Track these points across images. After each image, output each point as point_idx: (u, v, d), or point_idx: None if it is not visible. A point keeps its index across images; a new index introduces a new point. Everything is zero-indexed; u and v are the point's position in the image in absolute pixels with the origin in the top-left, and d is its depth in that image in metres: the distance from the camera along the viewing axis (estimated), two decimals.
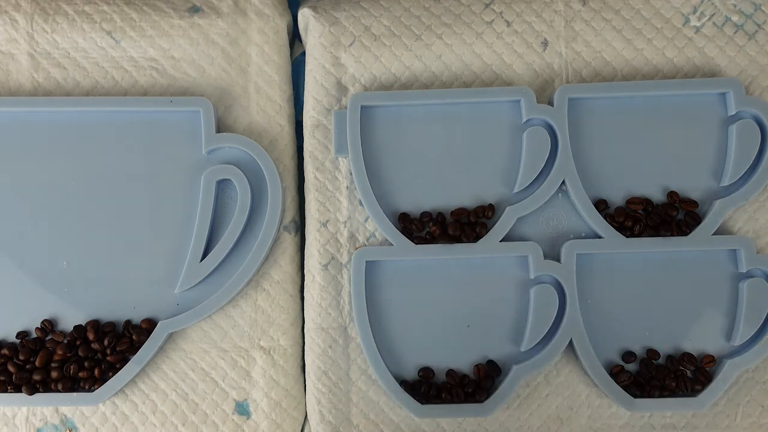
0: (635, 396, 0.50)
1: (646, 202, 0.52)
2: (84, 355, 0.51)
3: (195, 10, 0.54)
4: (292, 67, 0.56)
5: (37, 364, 0.51)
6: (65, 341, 0.51)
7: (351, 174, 0.52)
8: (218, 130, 0.53)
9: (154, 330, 0.51)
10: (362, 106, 0.52)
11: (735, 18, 0.53)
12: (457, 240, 0.51)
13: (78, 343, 0.51)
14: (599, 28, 0.54)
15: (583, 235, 0.52)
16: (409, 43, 0.54)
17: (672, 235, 0.51)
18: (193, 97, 0.53)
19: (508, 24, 0.54)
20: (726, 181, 0.51)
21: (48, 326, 0.51)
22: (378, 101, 0.52)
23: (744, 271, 0.51)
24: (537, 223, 0.52)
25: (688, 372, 0.51)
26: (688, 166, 0.52)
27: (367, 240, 0.53)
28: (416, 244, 0.51)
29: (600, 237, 0.51)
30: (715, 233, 0.51)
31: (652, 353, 0.51)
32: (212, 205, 0.52)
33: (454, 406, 0.50)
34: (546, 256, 0.51)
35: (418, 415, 0.50)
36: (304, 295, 0.54)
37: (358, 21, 0.54)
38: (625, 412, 0.51)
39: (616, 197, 0.52)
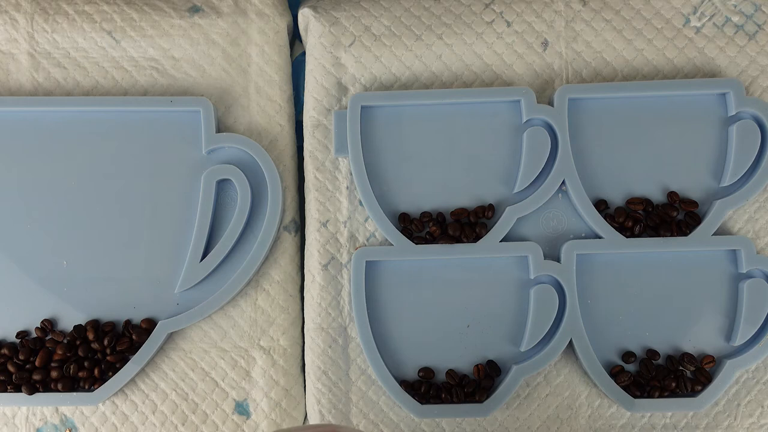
0: (635, 396, 0.50)
1: (646, 202, 0.52)
2: (84, 354, 0.51)
3: (195, 10, 0.54)
4: (292, 67, 0.56)
5: (36, 363, 0.51)
6: (65, 341, 0.51)
7: (351, 174, 0.52)
8: (218, 130, 0.53)
9: (154, 330, 0.51)
10: (362, 106, 0.52)
11: (735, 18, 0.53)
12: (457, 240, 0.51)
13: (78, 342, 0.51)
14: (599, 28, 0.54)
15: (583, 235, 0.52)
16: (410, 43, 0.54)
17: (672, 235, 0.51)
18: (194, 97, 0.53)
19: (509, 24, 0.54)
20: (726, 182, 0.51)
21: (48, 326, 0.51)
22: (378, 101, 0.52)
23: (744, 271, 0.51)
24: (537, 223, 0.52)
25: (688, 372, 0.51)
26: (688, 166, 0.52)
27: (367, 240, 0.53)
28: (416, 244, 0.51)
29: (600, 237, 0.51)
30: (715, 233, 0.51)
31: (651, 353, 0.51)
32: (212, 205, 0.52)
33: (453, 406, 0.50)
34: (546, 256, 0.51)
35: (417, 415, 0.50)
36: (304, 295, 0.54)
37: (359, 21, 0.54)
38: (625, 412, 0.51)
39: (616, 197, 0.52)
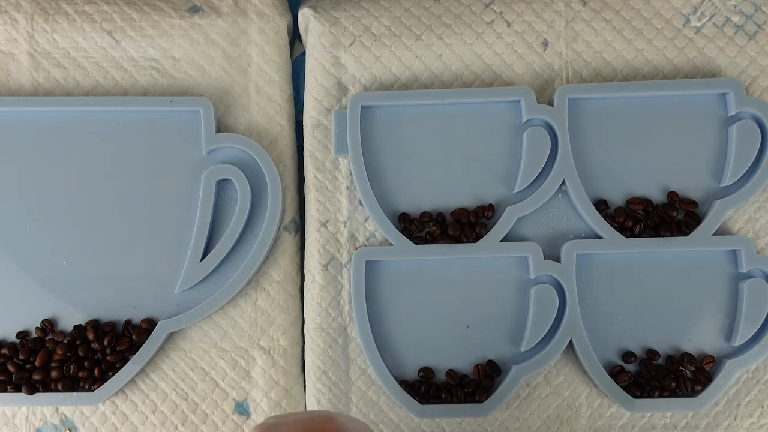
0: (635, 396, 0.50)
1: (646, 202, 0.52)
2: (84, 354, 0.51)
3: (195, 10, 0.54)
4: (292, 67, 0.56)
5: (36, 363, 0.51)
6: (65, 341, 0.51)
7: (351, 174, 0.52)
8: (218, 130, 0.53)
9: (154, 330, 0.51)
10: (362, 106, 0.52)
11: (735, 18, 0.53)
12: (457, 240, 0.51)
13: (78, 342, 0.51)
14: (599, 28, 0.54)
15: (583, 235, 0.52)
16: (410, 43, 0.54)
17: (672, 235, 0.51)
18: (194, 97, 0.53)
19: (509, 24, 0.54)
20: (726, 182, 0.51)
21: (48, 326, 0.51)
22: (378, 101, 0.52)
23: (744, 271, 0.51)
24: (537, 223, 0.52)
25: (688, 372, 0.51)
26: (688, 166, 0.52)
27: (367, 240, 0.53)
28: (416, 244, 0.51)
29: (600, 237, 0.51)
30: (715, 233, 0.51)
31: (651, 353, 0.51)
32: (212, 205, 0.52)
33: (453, 406, 0.50)
34: (546, 256, 0.51)
35: (417, 415, 0.50)
36: (304, 295, 0.54)
37: (359, 21, 0.54)
38: (625, 412, 0.51)
39: (616, 197, 0.52)
